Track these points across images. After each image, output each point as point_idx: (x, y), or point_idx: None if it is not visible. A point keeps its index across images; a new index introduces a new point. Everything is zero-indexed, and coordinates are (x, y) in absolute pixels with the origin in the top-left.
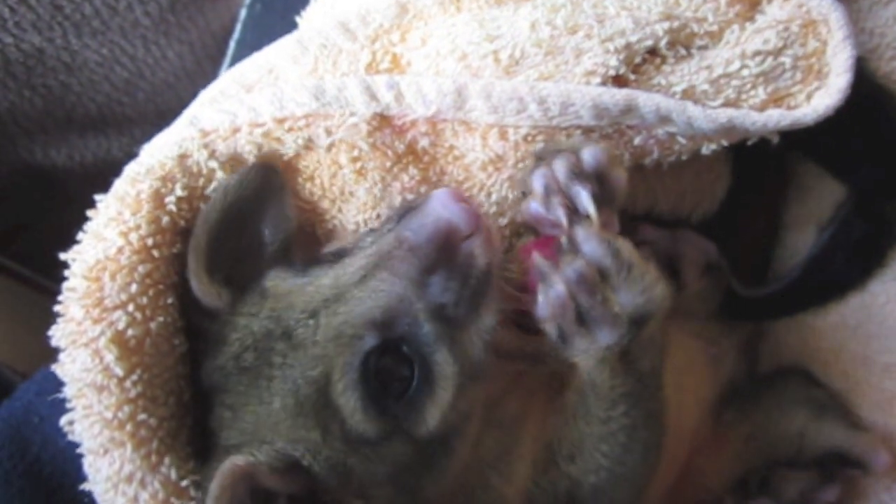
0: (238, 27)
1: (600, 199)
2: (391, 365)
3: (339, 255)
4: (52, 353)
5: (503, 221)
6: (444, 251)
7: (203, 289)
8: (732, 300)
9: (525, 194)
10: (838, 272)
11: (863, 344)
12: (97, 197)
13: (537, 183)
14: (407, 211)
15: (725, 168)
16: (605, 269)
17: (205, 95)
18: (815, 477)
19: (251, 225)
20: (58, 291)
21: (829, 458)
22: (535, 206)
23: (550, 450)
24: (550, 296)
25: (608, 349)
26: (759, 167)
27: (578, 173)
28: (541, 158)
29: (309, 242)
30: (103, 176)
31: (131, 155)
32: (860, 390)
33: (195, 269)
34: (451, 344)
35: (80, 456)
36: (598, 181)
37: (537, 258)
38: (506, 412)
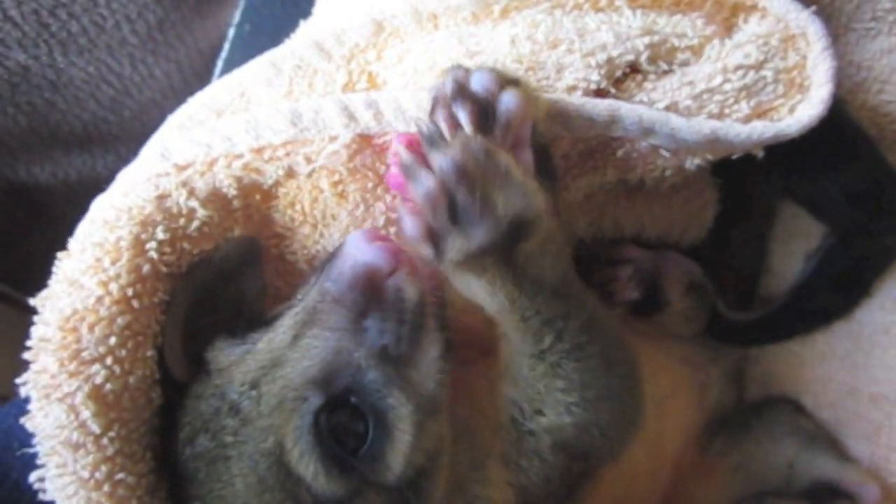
0: (226, 46)
1: (485, 121)
2: (344, 420)
3: (274, 318)
4: None
5: None
6: (370, 293)
7: (177, 364)
8: (719, 323)
9: None
10: (823, 301)
11: (850, 374)
12: (70, 242)
13: (430, 96)
14: (326, 263)
15: (713, 195)
16: (482, 168)
17: (173, 121)
18: None
19: (230, 296)
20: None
21: (818, 490)
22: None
23: (514, 425)
24: (419, 191)
25: (484, 253)
26: (748, 196)
27: (463, 92)
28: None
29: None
30: (87, 194)
31: (116, 173)
32: (848, 420)
33: (170, 344)
34: (402, 384)
35: None
36: (487, 105)
37: (401, 151)
38: (458, 422)
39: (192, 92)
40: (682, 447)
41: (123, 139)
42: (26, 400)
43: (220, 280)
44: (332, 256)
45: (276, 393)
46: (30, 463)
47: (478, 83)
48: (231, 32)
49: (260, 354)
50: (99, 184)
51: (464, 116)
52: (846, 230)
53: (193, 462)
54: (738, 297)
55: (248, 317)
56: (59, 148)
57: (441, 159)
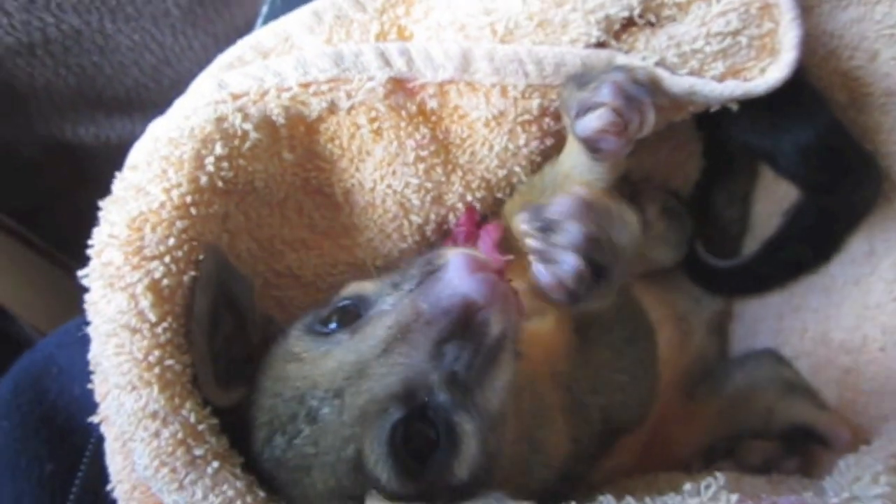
0: (259, 21)
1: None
2: (417, 429)
3: (357, 314)
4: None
5: (502, 172)
6: (460, 323)
7: (217, 395)
8: (699, 268)
9: (575, 114)
10: (793, 254)
11: (823, 324)
12: (133, 156)
13: (606, 93)
14: (426, 275)
15: (697, 147)
16: (599, 223)
17: (223, 60)
18: (778, 447)
19: (229, 308)
20: (76, 268)
21: (794, 433)
22: (606, 113)
23: (569, 392)
24: (563, 270)
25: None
26: (731, 154)
27: (640, 83)
28: (579, 81)
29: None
30: (124, 157)
31: None
32: (820, 367)
33: (205, 379)
34: (469, 405)
35: (92, 404)
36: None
37: (528, 241)
38: (522, 377)
39: None
40: (665, 384)
41: (161, 107)
42: (65, 332)
43: (219, 293)
44: (432, 270)
45: (361, 405)
46: (66, 386)
47: (643, 74)
48: (265, 9)
49: (347, 365)
50: None
51: (650, 109)
52: (808, 186)
53: (275, 466)
54: (724, 256)
55: (251, 317)
56: (102, 111)
57: (568, 236)
